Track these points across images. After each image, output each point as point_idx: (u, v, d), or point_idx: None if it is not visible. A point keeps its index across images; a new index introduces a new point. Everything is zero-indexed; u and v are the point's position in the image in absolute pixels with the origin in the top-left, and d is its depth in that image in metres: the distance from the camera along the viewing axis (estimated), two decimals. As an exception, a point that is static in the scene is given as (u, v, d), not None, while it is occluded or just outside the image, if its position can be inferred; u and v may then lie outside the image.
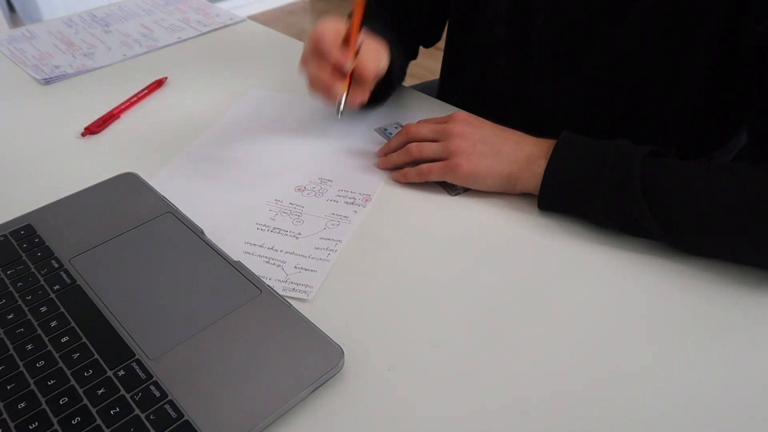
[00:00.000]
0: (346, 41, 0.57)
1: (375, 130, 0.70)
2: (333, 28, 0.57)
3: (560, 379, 0.42)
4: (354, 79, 0.58)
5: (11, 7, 2.48)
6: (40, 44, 0.94)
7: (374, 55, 0.59)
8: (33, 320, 0.45)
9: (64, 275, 0.49)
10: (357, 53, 0.58)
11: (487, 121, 0.62)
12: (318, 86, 0.58)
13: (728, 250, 0.50)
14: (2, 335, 0.44)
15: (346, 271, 0.51)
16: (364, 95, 0.59)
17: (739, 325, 0.45)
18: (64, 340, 0.44)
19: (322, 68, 0.57)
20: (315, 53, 0.57)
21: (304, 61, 0.59)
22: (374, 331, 0.46)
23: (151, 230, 0.54)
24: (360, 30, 0.58)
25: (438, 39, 0.84)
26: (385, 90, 0.66)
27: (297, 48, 0.91)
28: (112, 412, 0.38)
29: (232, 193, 0.60)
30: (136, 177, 0.61)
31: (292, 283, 0.50)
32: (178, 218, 0.55)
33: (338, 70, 0.57)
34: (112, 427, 0.38)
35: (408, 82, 0.79)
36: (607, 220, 0.53)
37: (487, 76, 0.75)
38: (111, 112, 0.74)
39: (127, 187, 0.59)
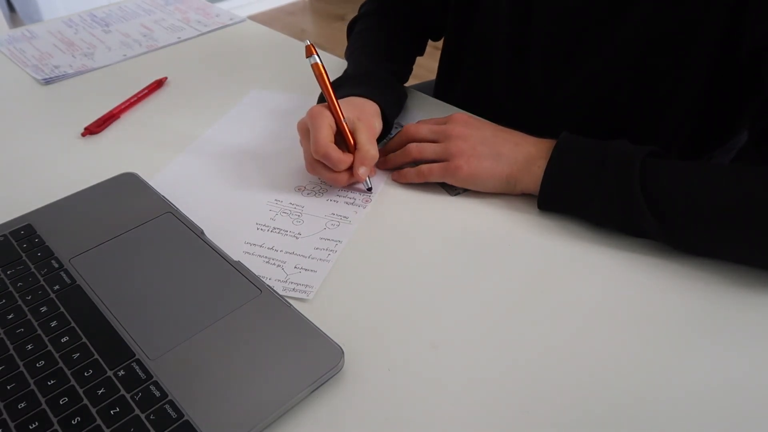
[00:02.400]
0: (340, 127, 0.59)
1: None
2: (328, 135, 0.57)
3: (560, 378, 0.42)
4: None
5: (11, 7, 2.48)
6: (40, 44, 0.94)
7: (371, 138, 0.59)
8: (33, 320, 0.45)
9: (64, 275, 0.49)
10: (353, 134, 0.59)
11: (486, 122, 0.62)
12: (340, 185, 0.60)
13: (728, 250, 0.50)
14: (2, 335, 0.44)
15: (346, 271, 0.51)
16: (372, 169, 0.61)
17: (739, 325, 0.45)
18: (64, 340, 0.44)
19: (337, 176, 0.58)
20: (323, 165, 0.58)
21: (314, 171, 0.59)
22: (374, 331, 0.46)
23: (151, 230, 0.54)
24: (340, 110, 0.58)
25: (445, 31, 0.84)
26: (383, 136, 0.67)
27: (297, 48, 0.91)
28: (112, 412, 0.38)
29: (232, 193, 0.60)
30: (136, 177, 0.61)
31: (292, 283, 0.50)
32: (178, 218, 0.55)
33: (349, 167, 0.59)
34: (112, 427, 0.38)
35: (408, 81, 0.80)
36: (606, 221, 0.53)
37: (485, 74, 0.76)
38: (111, 112, 0.74)
39: (127, 187, 0.59)
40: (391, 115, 0.66)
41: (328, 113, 0.58)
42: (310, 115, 0.58)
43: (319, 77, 0.59)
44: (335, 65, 0.82)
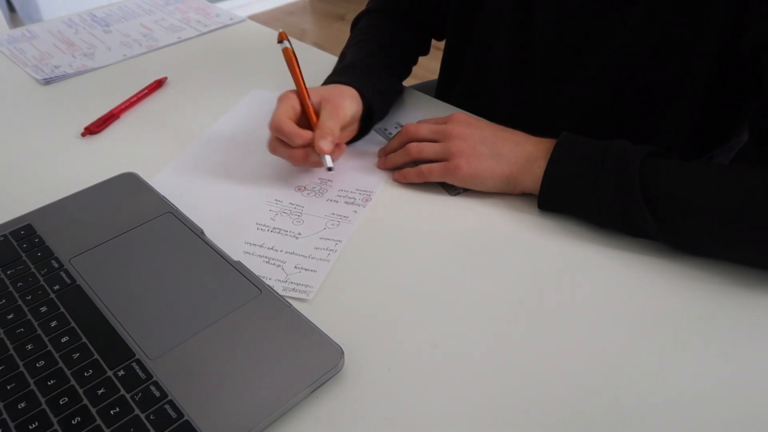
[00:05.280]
0: (304, 107, 0.60)
1: (375, 129, 0.70)
2: (285, 111, 0.58)
3: (560, 378, 0.42)
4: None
5: (11, 7, 2.48)
6: (40, 44, 0.94)
7: (332, 114, 0.59)
8: (33, 320, 0.45)
9: (64, 275, 0.49)
10: (317, 114, 0.60)
11: (486, 122, 0.62)
12: (298, 163, 0.60)
13: (727, 250, 0.50)
14: (2, 335, 0.44)
15: (346, 271, 0.51)
16: (339, 149, 0.61)
17: (739, 325, 0.45)
18: (64, 340, 0.44)
19: (293, 151, 0.59)
20: (280, 142, 0.59)
21: (274, 149, 0.60)
22: (374, 331, 0.46)
23: (151, 230, 0.54)
24: (306, 90, 0.60)
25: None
26: (366, 126, 0.67)
27: (297, 48, 0.91)
28: (112, 412, 0.38)
29: (232, 193, 0.60)
30: (136, 177, 0.61)
31: (292, 283, 0.50)
32: (178, 218, 0.55)
33: (307, 144, 0.58)
34: (112, 427, 0.38)
35: (408, 82, 0.80)
36: (606, 221, 0.53)
37: (486, 74, 0.76)
38: (111, 112, 0.74)
39: (127, 187, 0.59)
40: (373, 102, 0.65)
41: (292, 95, 0.60)
42: (278, 99, 0.60)
43: (288, 61, 0.62)
44: (334, 65, 0.82)
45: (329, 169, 0.58)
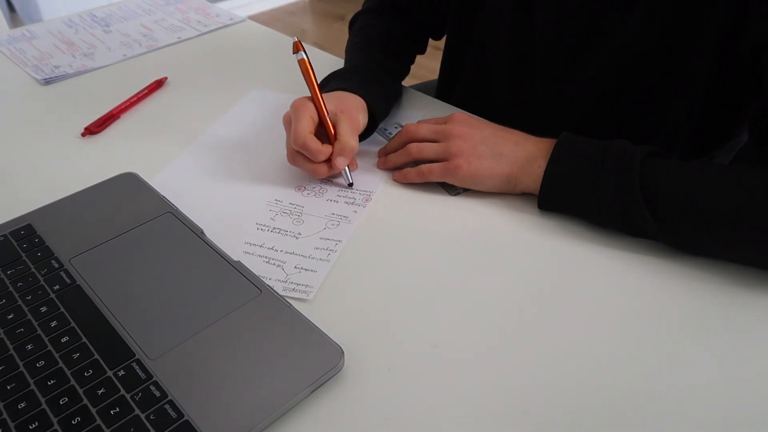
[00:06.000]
0: (322, 119, 0.60)
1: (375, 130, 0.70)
2: (308, 126, 0.58)
3: (560, 378, 0.42)
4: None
5: (11, 7, 2.48)
6: (40, 44, 0.94)
7: (351, 130, 0.60)
8: (33, 320, 0.45)
9: (64, 275, 0.49)
10: (335, 126, 0.60)
11: (486, 122, 0.62)
12: (320, 177, 0.61)
13: (727, 250, 0.50)
14: (2, 335, 0.44)
15: (346, 271, 0.51)
16: (354, 164, 0.62)
17: (739, 325, 0.45)
18: (64, 340, 0.44)
19: (317, 166, 0.59)
20: (302, 155, 0.59)
21: (294, 162, 0.60)
22: (374, 331, 0.46)
23: (151, 230, 0.54)
24: (323, 102, 0.60)
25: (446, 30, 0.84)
26: (366, 133, 0.67)
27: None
28: (112, 412, 0.38)
29: (232, 193, 0.60)
30: (136, 177, 0.61)
31: (292, 283, 0.50)
32: (178, 218, 0.55)
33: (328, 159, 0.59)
34: (112, 427, 0.38)
35: (408, 82, 0.80)
36: (606, 221, 0.53)
37: (487, 74, 0.76)
38: (111, 112, 0.74)
39: (127, 187, 0.59)
40: (377, 110, 0.66)
41: (310, 105, 0.59)
42: (293, 107, 0.59)
43: (304, 72, 0.61)
44: (335, 65, 0.82)
45: (350, 184, 0.61)
